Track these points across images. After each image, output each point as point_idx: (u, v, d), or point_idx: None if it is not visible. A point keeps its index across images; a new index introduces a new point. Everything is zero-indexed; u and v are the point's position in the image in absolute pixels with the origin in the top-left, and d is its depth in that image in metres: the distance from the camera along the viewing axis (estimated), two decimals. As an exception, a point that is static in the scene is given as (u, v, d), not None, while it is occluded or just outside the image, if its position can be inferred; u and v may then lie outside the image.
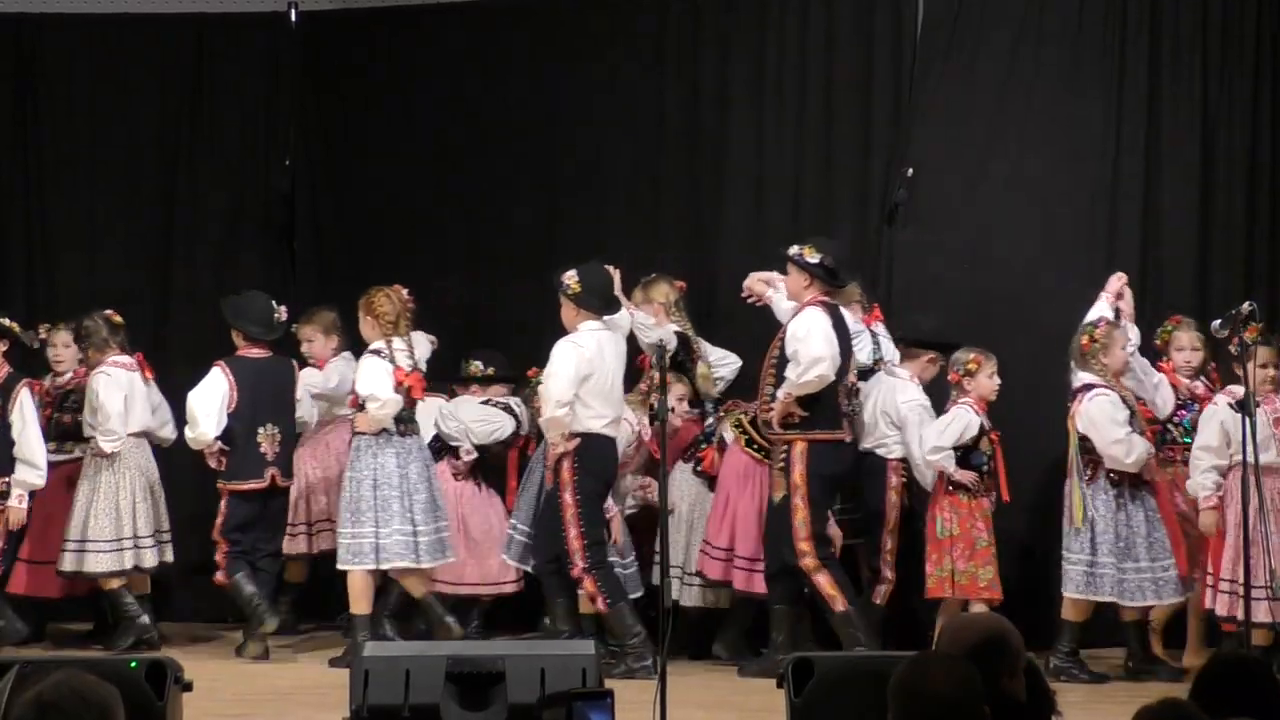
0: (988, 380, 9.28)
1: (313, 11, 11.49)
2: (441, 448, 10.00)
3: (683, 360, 9.94)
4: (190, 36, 11.52)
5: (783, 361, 9.16)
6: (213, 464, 9.82)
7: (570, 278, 9.41)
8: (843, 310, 9.31)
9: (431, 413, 9.91)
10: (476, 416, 10.10)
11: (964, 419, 9.25)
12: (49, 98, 11.46)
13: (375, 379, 9.48)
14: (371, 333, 9.62)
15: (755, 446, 9.46)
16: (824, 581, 9.01)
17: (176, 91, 11.51)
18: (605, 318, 9.37)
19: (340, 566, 9.58)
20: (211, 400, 9.74)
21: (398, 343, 9.58)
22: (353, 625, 9.54)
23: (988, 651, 4.33)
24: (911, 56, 10.35)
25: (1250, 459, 7.84)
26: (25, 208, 11.44)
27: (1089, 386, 8.95)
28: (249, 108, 11.48)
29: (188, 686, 6.46)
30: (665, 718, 7.13)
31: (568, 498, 9.25)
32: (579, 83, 11.03)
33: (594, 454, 9.29)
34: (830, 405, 9.06)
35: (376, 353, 9.56)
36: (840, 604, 9.05)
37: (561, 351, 9.31)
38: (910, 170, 10.23)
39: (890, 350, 9.66)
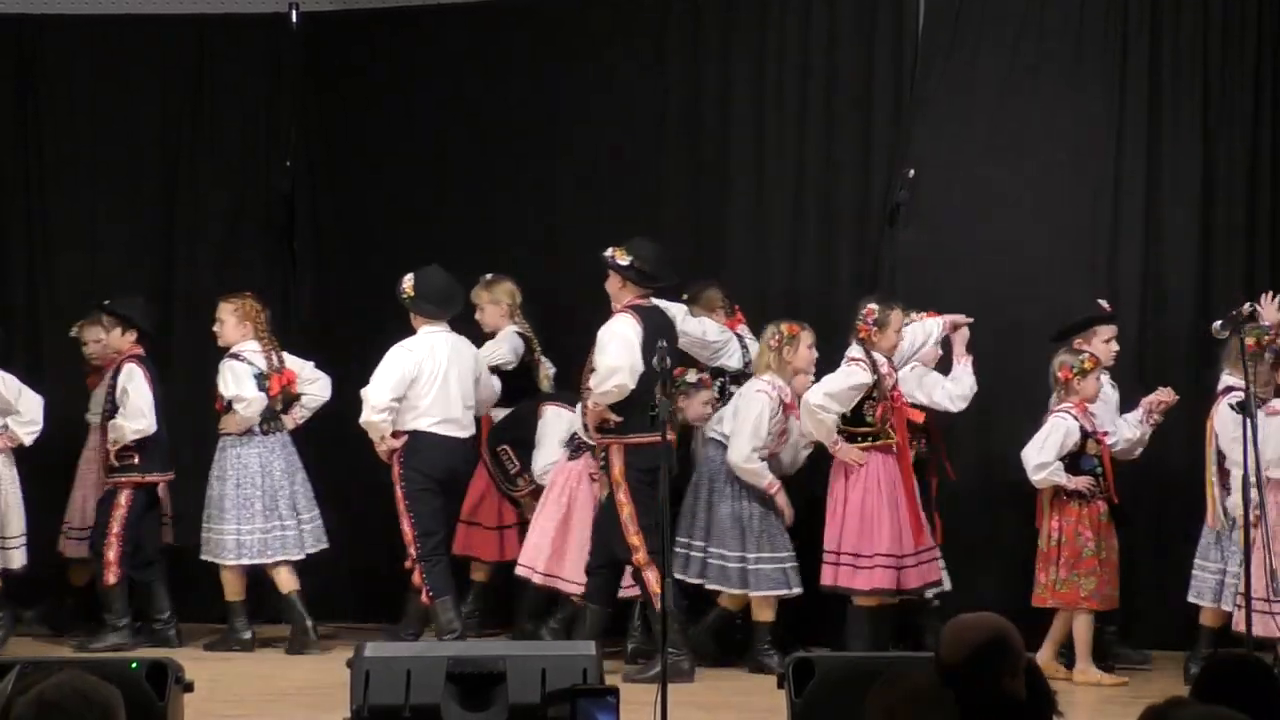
0: (1094, 383, 9.15)
1: (313, 12, 11.49)
2: (579, 445, 9.88)
3: (528, 361, 10.40)
4: (191, 37, 11.52)
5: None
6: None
7: (406, 283, 9.89)
8: (706, 318, 9.80)
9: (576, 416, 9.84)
10: None
11: (1062, 427, 9.10)
12: (50, 98, 11.45)
13: (240, 381, 10.10)
14: (234, 335, 10.18)
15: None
16: (651, 579, 9.04)
17: (177, 92, 11.51)
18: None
19: (204, 558, 10.26)
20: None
21: (253, 345, 10.18)
22: (229, 611, 10.28)
23: (990, 651, 4.33)
24: (913, 55, 10.35)
25: (1251, 461, 7.78)
26: (27, 207, 11.44)
27: (1229, 388, 8.81)
28: (250, 108, 11.48)
29: (189, 687, 6.47)
30: (666, 718, 7.14)
31: (398, 491, 9.79)
32: (579, 82, 11.02)
33: (422, 452, 9.81)
34: (645, 408, 8.82)
35: (235, 356, 10.16)
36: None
37: (389, 356, 9.87)
38: (911, 171, 10.23)
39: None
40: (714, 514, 9.47)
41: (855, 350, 9.27)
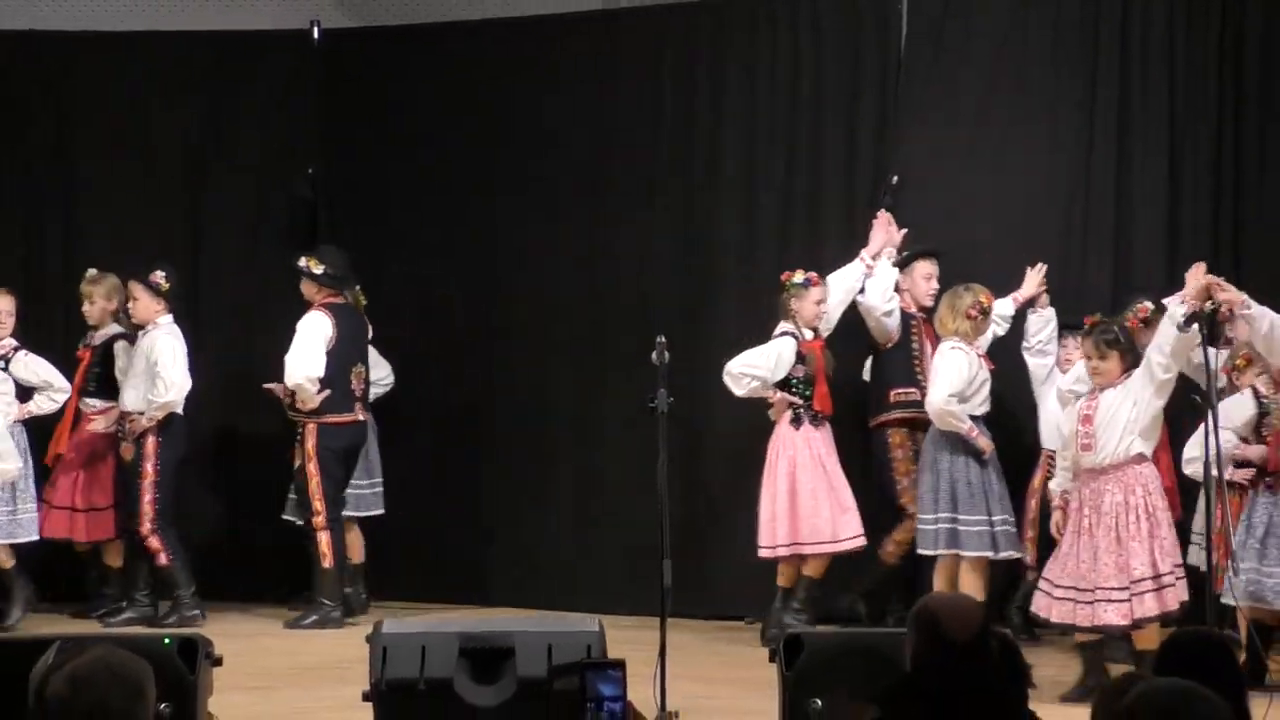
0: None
1: (334, 29, 11.52)
2: (798, 414, 9.70)
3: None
4: (219, 52, 11.54)
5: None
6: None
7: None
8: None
9: None
10: None
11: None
12: (85, 109, 11.47)
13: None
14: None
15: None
16: (324, 539, 10.08)
17: (205, 104, 11.53)
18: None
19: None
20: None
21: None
22: None
23: (988, 625, 4.32)
24: (897, 69, 10.37)
25: (1212, 450, 7.61)
26: (62, 213, 11.45)
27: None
28: (273, 119, 11.49)
29: (218, 661, 6.49)
30: (665, 689, 7.16)
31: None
32: (582, 95, 11.05)
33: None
34: (342, 390, 10.16)
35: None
36: (328, 561, 10.11)
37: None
38: (896, 177, 10.25)
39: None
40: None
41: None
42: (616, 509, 10.56)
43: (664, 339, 7.54)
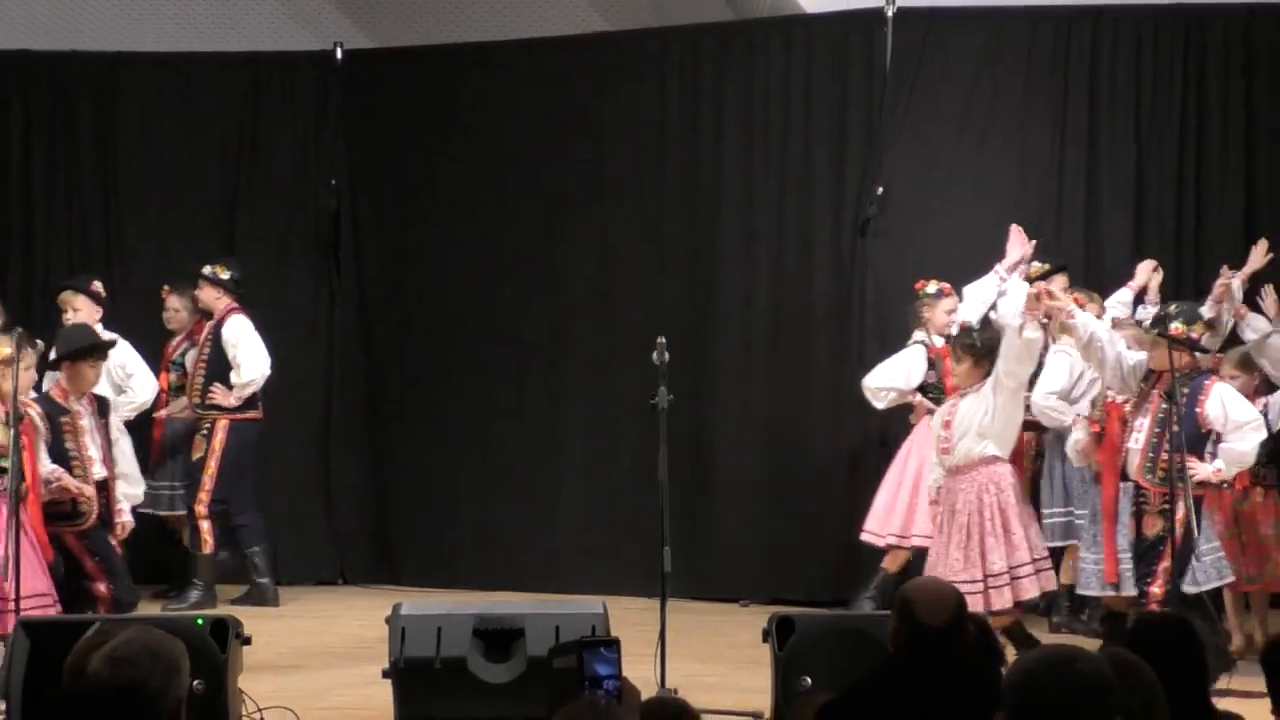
0: None
1: (355, 50, 11.51)
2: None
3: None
4: (249, 73, 11.53)
5: (215, 356, 10.05)
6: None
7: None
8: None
9: None
10: None
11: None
12: (127, 125, 11.46)
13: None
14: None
15: None
16: (205, 527, 9.95)
17: (236, 120, 11.51)
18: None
19: None
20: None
21: None
22: None
23: (962, 608, 4.31)
24: (882, 90, 10.37)
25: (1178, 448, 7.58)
26: (105, 224, 11.44)
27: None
28: (299, 135, 11.47)
29: (247, 641, 6.51)
30: (665, 667, 7.17)
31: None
32: (592, 112, 11.04)
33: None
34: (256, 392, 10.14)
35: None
36: (208, 548, 9.98)
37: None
38: (880, 189, 10.25)
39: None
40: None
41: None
42: (623, 499, 10.54)
43: (663, 340, 7.54)
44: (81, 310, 9.89)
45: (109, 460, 8.39)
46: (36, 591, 7.69)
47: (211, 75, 11.50)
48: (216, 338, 10.11)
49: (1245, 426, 7.76)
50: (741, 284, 10.61)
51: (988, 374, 8.15)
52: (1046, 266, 9.27)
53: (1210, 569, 7.97)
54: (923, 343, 9.51)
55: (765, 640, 6.50)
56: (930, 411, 9.17)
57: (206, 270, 10.18)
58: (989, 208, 10.16)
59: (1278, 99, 10.04)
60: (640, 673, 6.55)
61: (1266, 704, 4.23)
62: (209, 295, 10.15)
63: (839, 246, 10.42)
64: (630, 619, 7.33)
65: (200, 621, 6.37)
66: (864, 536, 9.51)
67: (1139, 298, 9.44)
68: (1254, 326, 8.63)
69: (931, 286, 9.49)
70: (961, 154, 10.27)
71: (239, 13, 11.77)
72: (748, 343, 10.59)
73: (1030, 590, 8.09)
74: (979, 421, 8.11)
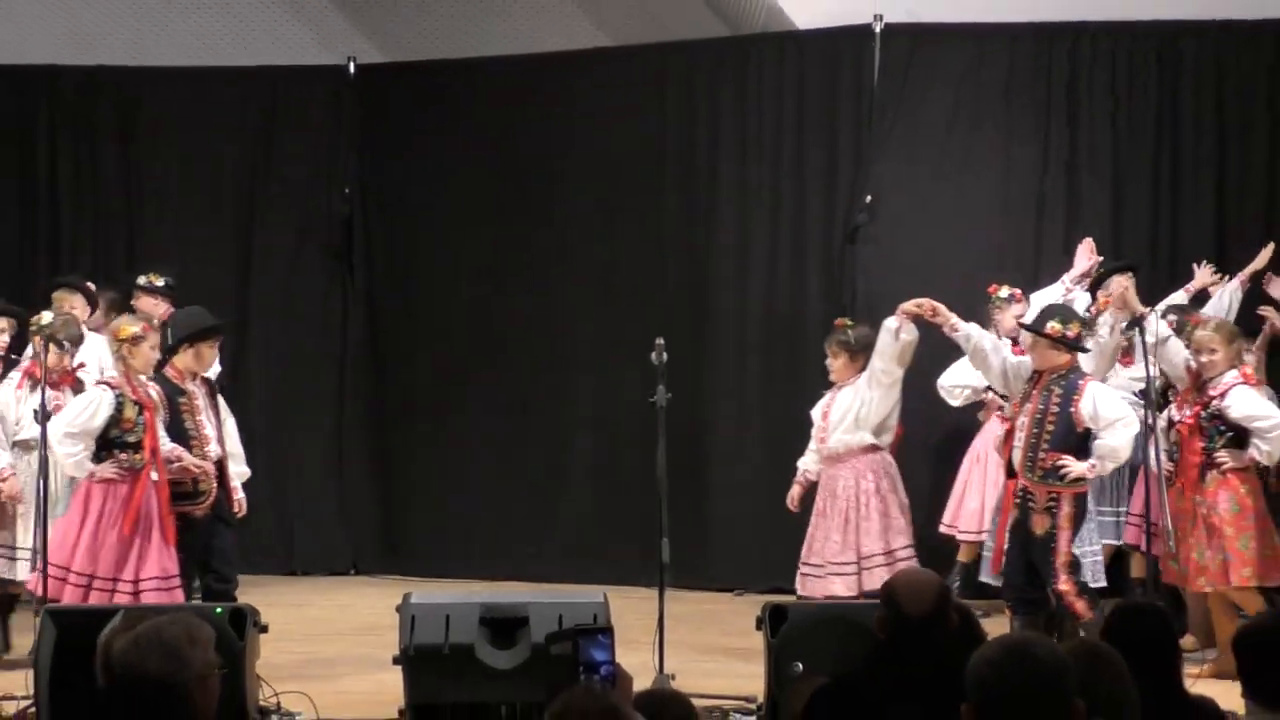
0: None
1: (367, 65, 11.52)
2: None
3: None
4: (265, 86, 11.54)
5: None
6: None
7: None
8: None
9: None
10: None
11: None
12: (150, 137, 11.47)
13: None
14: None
15: None
16: None
17: (254, 131, 11.53)
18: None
19: None
20: None
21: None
22: None
23: (943, 596, 4.31)
24: (870, 102, 10.37)
25: (1151, 448, 7.57)
26: (129, 230, 11.46)
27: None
28: (314, 146, 11.49)
29: (264, 629, 6.51)
30: (664, 654, 7.17)
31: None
32: (594, 124, 11.04)
33: None
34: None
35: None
36: None
37: None
38: (869, 197, 10.26)
39: None
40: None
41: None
42: (624, 494, 10.54)
43: (662, 341, 7.54)
44: (77, 308, 9.48)
45: (221, 440, 8.10)
46: (165, 573, 7.55)
47: (230, 89, 11.51)
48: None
49: (1117, 423, 7.65)
50: (737, 287, 10.62)
51: (863, 368, 8.18)
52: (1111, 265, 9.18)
53: (1087, 571, 7.86)
54: None
55: (759, 628, 6.49)
56: (1000, 409, 9.07)
57: (141, 280, 9.69)
58: (973, 215, 10.20)
59: (1247, 111, 10.05)
60: (639, 659, 6.56)
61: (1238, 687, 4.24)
62: (147, 304, 9.58)
63: (830, 252, 10.43)
64: (630, 608, 7.31)
65: (219, 611, 6.37)
66: (944, 529, 9.48)
67: (1197, 299, 9.27)
68: (1151, 330, 8.49)
69: (1004, 291, 9.34)
70: (946, 164, 10.27)
71: (256, 29, 11.77)
72: (743, 343, 10.59)
73: None
74: (856, 413, 8.14)
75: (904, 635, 4.13)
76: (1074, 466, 7.62)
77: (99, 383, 7.85)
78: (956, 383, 9.40)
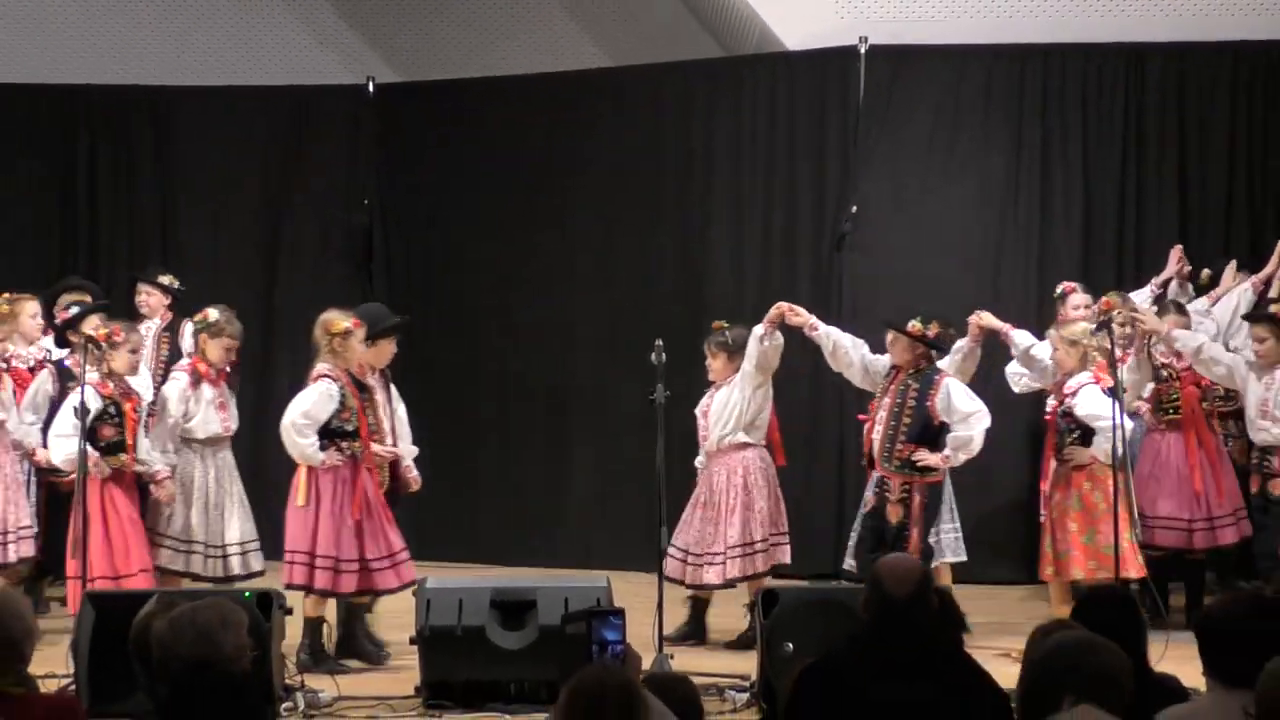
0: None
1: (385, 84, 11.54)
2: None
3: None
4: (289, 104, 11.56)
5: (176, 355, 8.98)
6: None
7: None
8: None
9: None
10: None
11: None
12: (181, 152, 11.49)
13: None
14: None
15: None
16: None
17: (279, 146, 11.55)
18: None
19: None
20: None
21: None
22: None
23: (925, 580, 4.31)
24: (856, 118, 10.39)
25: (1119, 440, 7.52)
26: (162, 241, 11.47)
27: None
28: (335, 160, 11.49)
29: (289, 611, 6.53)
30: (663, 636, 7.18)
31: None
32: (597, 139, 11.04)
33: None
34: None
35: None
36: None
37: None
38: (855, 208, 10.27)
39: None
40: None
41: None
42: (626, 485, 10.55)
43: (661, 342, 7.56)
44: (153, 302, 9.54)
45: (393, 428, 8.05)
46: (392, 550, 7.53)
47: (256, 106, 11.53)
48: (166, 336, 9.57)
49: (970, 416, 7.72)
50: (731, 291, 10.61)
51: (739, 368, 8.15)
52: (1208, 273, 9.26)
53: (944, 547, 7.92)
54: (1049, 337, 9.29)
55: (752, 611, 6.50)
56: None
57: (164, 280, 9.59)
58: (952, 224, 10.22)
59: (1207, 126, 10.10)
60: (640, 640, 6.57)
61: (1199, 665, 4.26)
62: (154, 304, 9.48)
63: (818, 259, 10.44)
64: (631, 592, 7.33)
65: (248, 595, 6.40)
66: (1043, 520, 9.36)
67: (1168, 285, 9.25)
68: (1016, 342, 8.46)
69: (1057, 289, 9.07)
70: (927, 176, 10.29)
71: (280, 50, 11.80)
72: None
73: (764, 564, 8.03)
74: (731, 411, 8.10)
75: (887, 616, 4.14)
76: (928, 457, 7.71)
77: (319, 376, 7.61)
78: (1016, 371, 8.80)
